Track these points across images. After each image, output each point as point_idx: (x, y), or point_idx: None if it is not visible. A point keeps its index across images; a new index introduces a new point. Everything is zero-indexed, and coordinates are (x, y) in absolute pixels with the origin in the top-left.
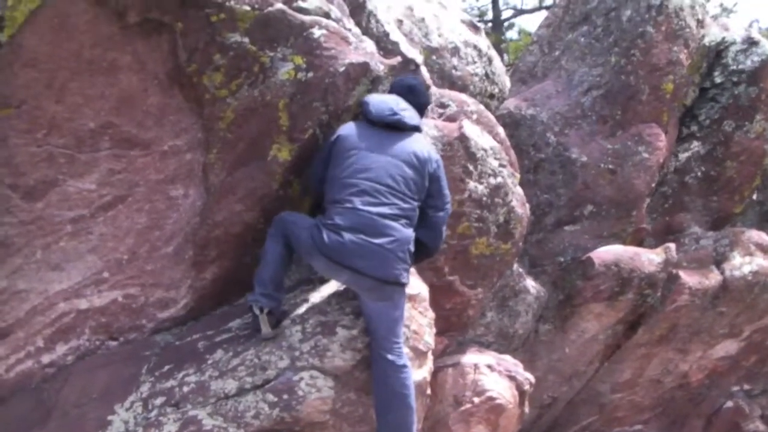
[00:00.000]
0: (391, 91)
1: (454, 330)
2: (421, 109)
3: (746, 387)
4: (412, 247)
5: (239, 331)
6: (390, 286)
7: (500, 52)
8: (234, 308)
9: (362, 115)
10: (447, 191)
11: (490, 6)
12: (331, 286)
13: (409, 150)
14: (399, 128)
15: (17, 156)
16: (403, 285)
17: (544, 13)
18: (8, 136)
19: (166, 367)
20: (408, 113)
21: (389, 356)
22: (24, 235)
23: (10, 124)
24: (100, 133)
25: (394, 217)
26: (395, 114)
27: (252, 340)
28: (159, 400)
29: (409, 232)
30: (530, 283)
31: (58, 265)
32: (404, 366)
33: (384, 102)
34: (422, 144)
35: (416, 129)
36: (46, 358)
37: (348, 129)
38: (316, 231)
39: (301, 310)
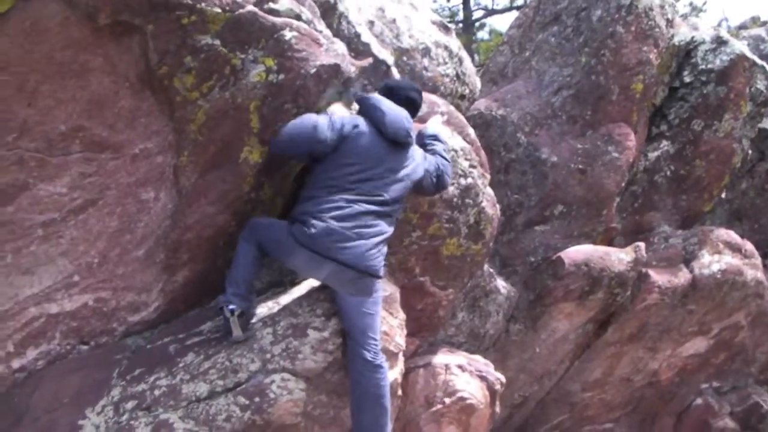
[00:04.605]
0: (392, 96)
1: (425, 331)
2: (413, 116)
3: (715, 384)
4: (387, 245)
5: (210, 334)
6: (369, 278)
7: (471, 53)
8: (205, 311)
9: (366, 114)
10: (445, 166)
11: (461, 7)
12: (302, 288)
13: (409, 170)
14: (404, 144)
15: None
16: (380, 278)
17: (515, 14)
18: None
19: (138, 371)
20: (413, 131)
21: (367, 354)
22: None
23: None
24: (71, 136)
25: (379, 215)
26: (409, 135)
27: (223, 343)
28: (130, 404)
29: (391, 229)
30: (501, 283)
31: (29, 269)
32: (380, 366)
33: (400, 120)
34: (418, 160)
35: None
36: (16, 363)
37: (361, 131)
38: (297, 226)
39: (272, 312)
